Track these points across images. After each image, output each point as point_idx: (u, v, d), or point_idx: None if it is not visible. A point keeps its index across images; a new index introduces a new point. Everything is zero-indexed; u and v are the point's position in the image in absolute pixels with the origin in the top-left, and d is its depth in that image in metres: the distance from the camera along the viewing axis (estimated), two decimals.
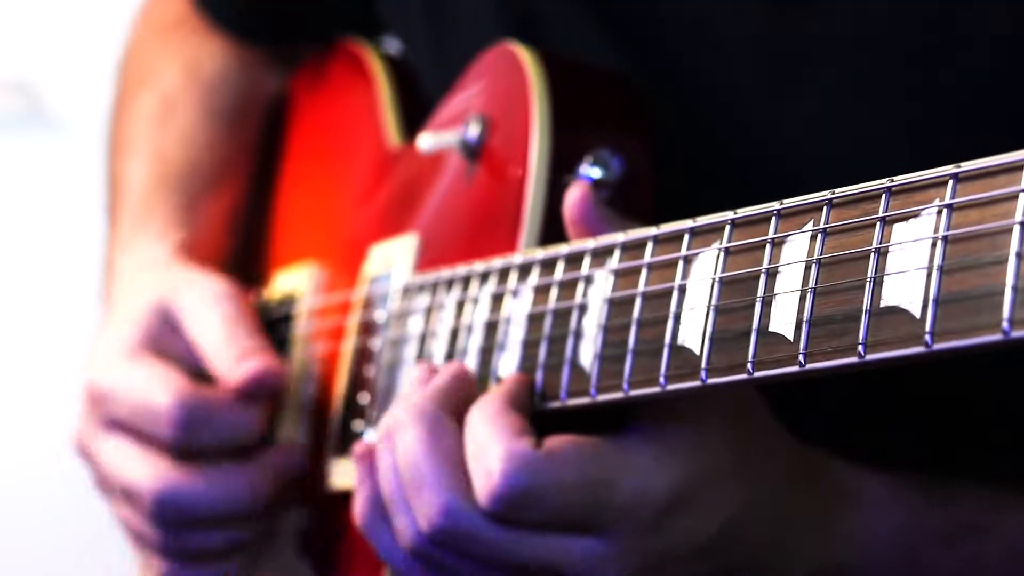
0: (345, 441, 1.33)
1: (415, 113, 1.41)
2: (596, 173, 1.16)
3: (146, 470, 1.31)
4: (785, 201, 0.94)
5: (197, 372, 1.35)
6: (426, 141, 1.26)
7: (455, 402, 1.09)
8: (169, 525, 1.32)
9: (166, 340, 1.36)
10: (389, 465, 1.09)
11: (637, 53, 1.25)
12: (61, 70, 2.64)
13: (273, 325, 1.46)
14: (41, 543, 2.47)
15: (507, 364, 1.12)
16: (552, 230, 1.16)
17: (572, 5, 1.27)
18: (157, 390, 1.31)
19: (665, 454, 1.01)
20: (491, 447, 1.02)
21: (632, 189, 1.18)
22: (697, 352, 0.97)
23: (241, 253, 1.60)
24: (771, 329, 0.92)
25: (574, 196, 1.09)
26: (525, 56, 1.22)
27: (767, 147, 1.21)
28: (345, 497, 1.32)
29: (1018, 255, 0.79)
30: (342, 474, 1.32)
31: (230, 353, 1.33)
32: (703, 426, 1.02)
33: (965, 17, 1.15)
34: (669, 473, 1.01)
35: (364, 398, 1.30)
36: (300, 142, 1.60)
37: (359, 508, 1.15)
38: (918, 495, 1.08)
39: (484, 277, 1.17)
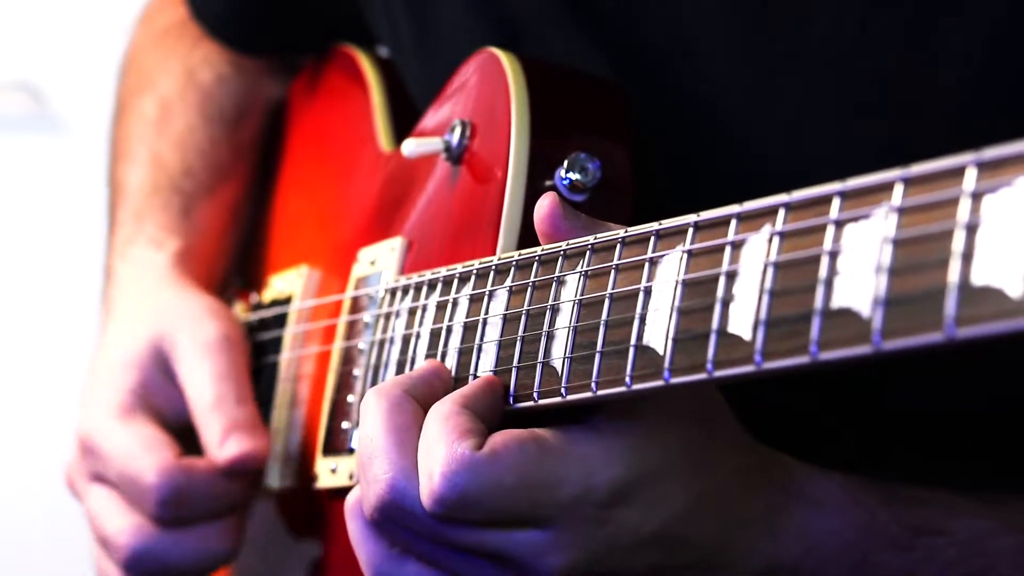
0: (331, 441, 1.35)
1: (407, 118, 1.43)
2: (574, 176, 1.18)
3: (124, 524, 1.37)
4: (745, 204, 0.95)
5: (184, 420, 1.40)
6: (409, 147, 1.28)
7: (423, 393, 1.11)
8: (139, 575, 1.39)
9: (160, 389, 1.42)
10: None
11: (617, 58, 1.27)
12: (65, 71, 2.67)
13: (267, 326, 1.49)
14: (41, 543, 2.49)
15: (484, 364, 1.13)
16: (530, 232, 1.17)
17: (552, 11, 1.29)
18: (144, 463, 1.36)
19: (614, 449, 1.02)
20: (436, 448, 1.04)
21: (611, 191, 1.20)
22: (661, 352, 0.98)
23: (241, 254, 1.63)
24: (730, 330, 0.94)
25: (542, 209, 1.10)
26: (506, 61, 1.23)
27: (746, 151, 1.23)
28: (333, 495, 1.35)
29: (963, 256, 0.81)
30: (329, 473, 1.34)
31: (218, 425, 1.37)
32: (659, 425, 1.03)
33: (936, 34, 1.16)
34: (614, 467, 1.02)
35: (350, 398, 1.32)
36: (297, 146, 1.63)
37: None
38: (874, 496, 1.08)
39: (464, 279, 1.18)
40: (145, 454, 1.36)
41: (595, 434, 1.03)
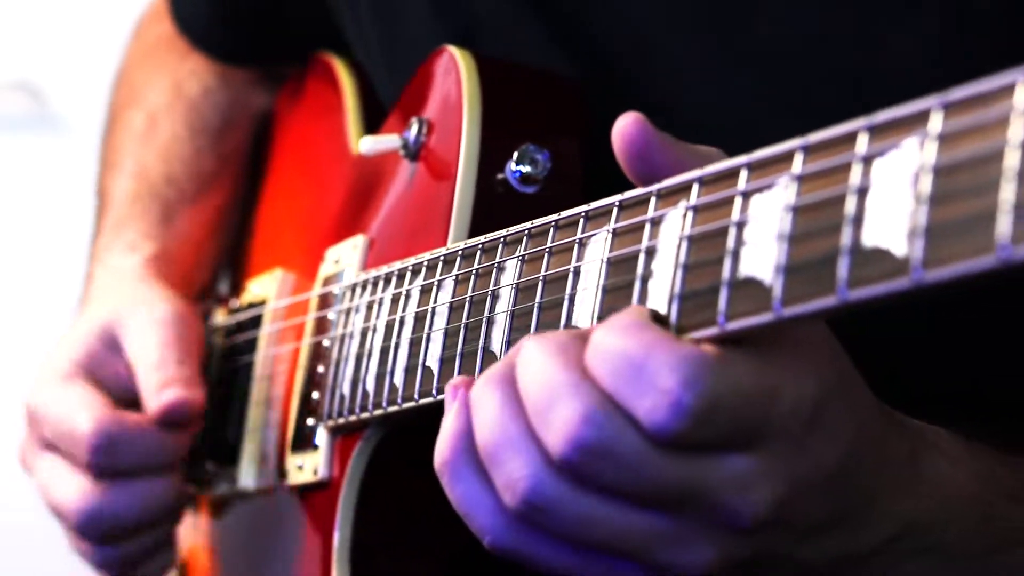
0: (299, 438, 1.36)
1: (378, 120, 1.45)
2: (524, 169, 1.20)
3: (70, 489, 1.39)
4: (664, 181, 0.96)
5: (131, 394, 1.42)
6: (366, 144, 1.30)
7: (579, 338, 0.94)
8: (96, 539, 1.41)
9: (105, 362, 1.44)
10: (501, 403, 0.94)
11: (577, 58, 1.28)
12: (66, 71, 2.69)
13: (243, 328, 1.51)
14: (41, 543, 2.50)
15: (433, 352, 1.15)
16: (480, 225, 1.20)
17: (513, 11, 1.30)
18: (79, 415, 1.38)
19: (803, 363, 0.91)
20: (655, 357, 0.87)
21: (562, 183, 1.21)
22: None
23: (227, 261, 1.66)
24: (649, 305, 0.95)
25: (625, 131, 0.98)
26: (460, 58, 1.25)
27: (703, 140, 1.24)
28: (302, 492, 1.36)
29: (854, 220, 0.82)
30: (296, 470, 1.35)
31: (156, 379, 1.39)
32: (818, 350, 0.93)
33: (888, 32, 1.17)
34: (812, 380, 0.91)
35: (315, 395, 1.34)
36: (280, 154, 1.65)
37: (441, 446, 0.99)
38: (986, 449, 1.04)
39: (416, 271, 1.20)
40: (79, 409, 1.38)
41: (789, 346, 0.91)
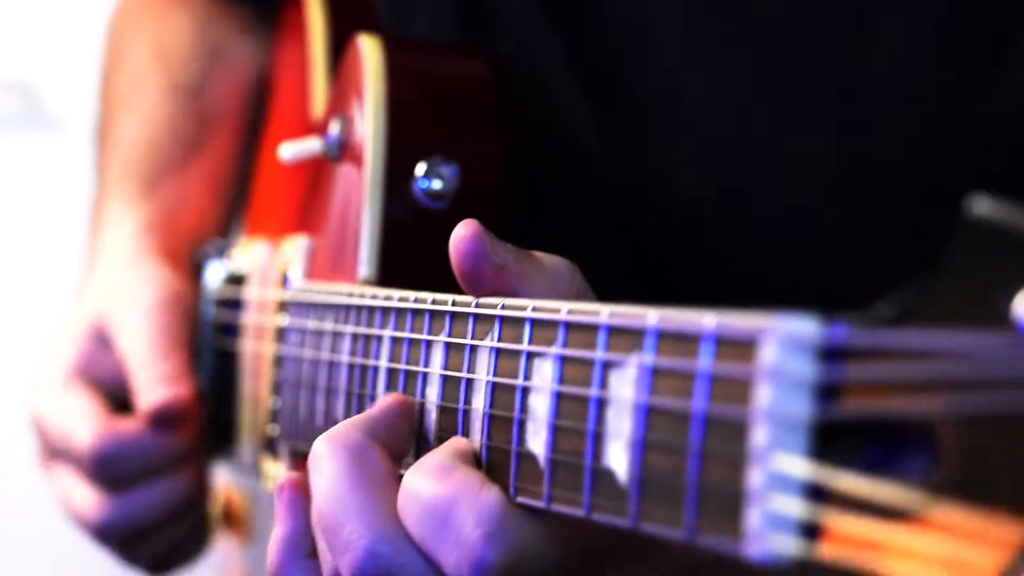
0: (268, 443, 1.31)
1: None
2: (432, 184, 1.08)
3: (84, 500, 1.38)
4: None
5: (124, 391, 1.39)
6: (287, 151, 1.18)
7: (388, 438, 0.92)
8: (118, 546, 1.40)
9: (99, 360, 1.41)
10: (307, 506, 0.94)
11: (580, 40, 1.20)
12: (60, 71, 2.63)
13: (230, 306, 1.44)
14: (41, 543, 2.53)
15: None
16: (391, 242, 1.07)
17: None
18: (78, 430, 1.35)
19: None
20: (459, 506, 0.84)
21: (475, 198, 1.07)
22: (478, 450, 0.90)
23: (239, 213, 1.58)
24: (526, 450, 0.85)
25: (460, 245, 0.88)
26: (365, 46, 1.09)
27: (697, 133, 1.18)
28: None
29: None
30: (269, 475, 1.30)
31: (144, 378, 1.35)
32: None
33: (882, 14, 1.13)
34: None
35: (278, 405, 1.27)
36: (271, 108, 1.55)
37: (271, 551, 0.98)
38: None
39: (348, 312, 1.09)
40: (78, 422, 1.36)
41: None
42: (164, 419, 1.34)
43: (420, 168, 1.06)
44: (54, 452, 1.41)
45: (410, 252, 1.07)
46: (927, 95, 1.11)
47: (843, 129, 1.12)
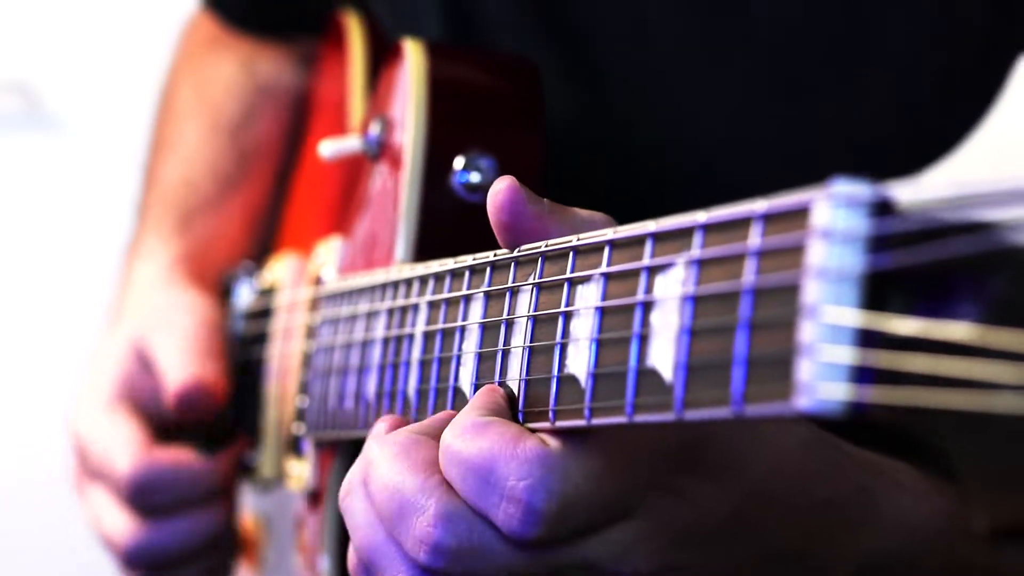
0: (293, 442, 1.31)
1: None
2: (475, 178, 1.10)
3: (117, 524, 1.39)
4: (581, 236, 0.87)
5: (165, 415, 1.41)
6: (327, 148, 1.21)
7: (434, 431, 0.92)
8: (145, 571, 1.41)
9: (141, 382, 1.43)
10: (364, 509, 0.92)
11: (571, 42, 1.21)
12: (60, 70, 2.65)
13: (260, 315, 1.46)
14: (41, 543, 2.52)
15: (411, 383, 1.06)
16: (428, 235, 1.11)
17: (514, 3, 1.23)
18: (118, 455, 1.37)
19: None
20: (499, 463, 0.84)
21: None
22: (516, 392, 0.91)
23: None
24: (567, 374, 0.86)
25: (498, 197, 0.91)
26: (410, 50, 1.15)
27: (694, 134, 1.18)
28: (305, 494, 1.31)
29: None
30: (294, 475, 1.31)
31: (177, 376, 1.38)
32: None
33: (877, 15, 1.13)
34: (673, 437, 0.84)
35: (305, 403, 1.27)
36: (308, 129, 1.58)
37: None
38: (947, 484, 0.93)
39: (384, 289, 1.11)
40: (119, 448, 1.38)
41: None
42: (190, 402, 1.36)
43: (458, 162, 1.09)
44: (92, 473, 1.42)
45: (446, 244, 1.07)
46: (921, 93, 1.12)
47: (842, 129, 1.14)
